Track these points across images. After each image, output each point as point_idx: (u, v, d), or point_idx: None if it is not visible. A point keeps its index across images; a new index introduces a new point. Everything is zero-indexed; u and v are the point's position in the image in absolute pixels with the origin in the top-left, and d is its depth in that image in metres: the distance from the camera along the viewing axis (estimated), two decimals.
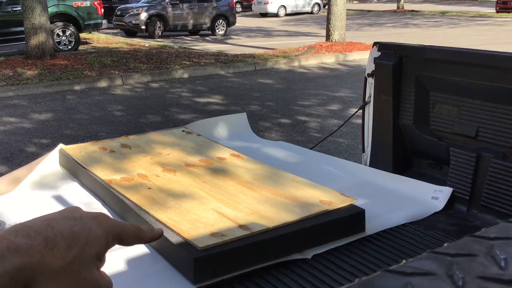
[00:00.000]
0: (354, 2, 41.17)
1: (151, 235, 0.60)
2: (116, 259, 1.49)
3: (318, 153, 2.58)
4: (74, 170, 2.19)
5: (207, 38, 17.18)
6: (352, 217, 1.70)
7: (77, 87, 8.57)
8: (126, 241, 0.57)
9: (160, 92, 8.32)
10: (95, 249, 0.53)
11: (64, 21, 12.30)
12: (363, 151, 2.62)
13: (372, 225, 1.74)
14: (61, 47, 12.13)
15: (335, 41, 12.73)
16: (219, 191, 1.84)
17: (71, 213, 0.55)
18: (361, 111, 2.62)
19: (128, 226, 0.58)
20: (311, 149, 2.74)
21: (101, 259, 0.55)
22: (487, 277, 0.46)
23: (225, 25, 18.05)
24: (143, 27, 16.59)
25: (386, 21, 23.55)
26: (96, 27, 13.54)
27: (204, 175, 2.01)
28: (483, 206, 2.01)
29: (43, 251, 0.48)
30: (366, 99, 2.53)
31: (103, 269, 0.56)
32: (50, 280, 0.49)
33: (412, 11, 28.98)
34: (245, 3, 32.94)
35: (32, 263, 0.47)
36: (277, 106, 7.13)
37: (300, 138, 5.58)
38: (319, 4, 30.06)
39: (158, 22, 16.72)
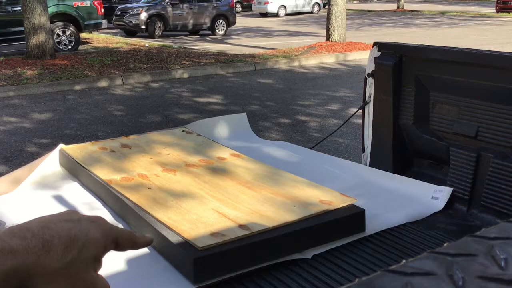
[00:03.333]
0: (354, 2, 41.17)
1: (144, 241, 0.60)
2: (116, 259, 1.49)
3: (318, 153, 2.58)
4: (74, 170, 2.19)
5: (207, 38, 17.18)
6: (352, 217, 1.70)
7: (77, 87, 8.57)
8: (122, 246, 0.58)
9: (160, 92, 8.32)
10: (93, 252, 0.53)
11: (64, 21, 12.30)
12: (363, 151, 2.62)
13: (372, 225, 1.74)
14: (61, 47, 12.13)
15: (335, 41, 12.73)
16: (219, 191, 1.84)
17: (69, 216, 0.55)
18: (361, 111, 2.62)
19: (125, 231, 0.59)
20: (311, 149, 2.74)
21: (98, 262, 0.55)
22: (487, 277, 0.46)
23: (225, 25, 18.05)
24: (143, 27, 16.59)
25: (386, 21, 23.55)
26: (96, 27, 13.54)
27: (204, 175, 2.01)
28: (483, 206, 2.01)
29: (39, 253, 0.48)
30: (366, 99, 2.53)
31: (102, 269, 0.56)
32: (47, 281, 0.49)
33: (412, 11, 28.97)
34: (245, 3, 32.95)
35: (27, 265, 0.47)
36: (277, 106, 7.13)
37: (300, 138, 5.58)
38: (319, 4, 30.06)
39: (158, 22, 16.72)
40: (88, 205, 1.92)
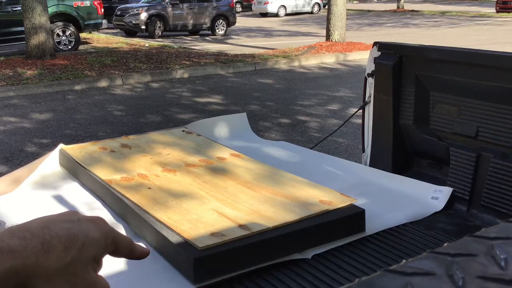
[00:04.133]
0: (354, 2, 41.17)
1: (141, 251, 0.60)
2: (116, 259, 1.49)
3: (318, 153, 2.58)
4: (74, 170, 2.19)
5: (207, 38, 17.18)
6: (352, 217, 1.70)
7: (77, 87, 8.57)
8: (120, 250, 0.58)
9: (160, 92, 8.32)
10: (92, 252, 0.53)
11: (64, 21, 12.31)
12: (363, 151, 2.62)
13: (372, 225, 1.74)
14: (61, 47, 12.13)
15: (335, 41, 12.73)
16: (219, 191, 1.84)
17: (69, 216, 0.55)
18: (361, 111, 2.62)
19: (123, 236, 0.59)
20: (311, 149, 2.74)
21: (98, 262, 0.55)
22: (487, 277, 0.46)
23: (225, 25, 18.05)
24: (143, 27, 16.59)
25: (386, 21, 23.55)
26: (96, 27, 13.55)
27: (204, 175, 2.01)
28: (483, 206, 2.01)
29: (39, 253, 0.48)
30: (366, 99, 2.53)
31: (102, 269, 0.56)
32: (46, 282, 0.49)
33: (412, 11, 28.98)
34: (245, 3, 32.96)
35: (26, 265, 0.47)
36: (277, 106, 7.13)
37: (300, 138, 5.58)
38: (319, 4, 30.06)
39: (158, 22, 16.72)
40: (88, 205, 1.92)
